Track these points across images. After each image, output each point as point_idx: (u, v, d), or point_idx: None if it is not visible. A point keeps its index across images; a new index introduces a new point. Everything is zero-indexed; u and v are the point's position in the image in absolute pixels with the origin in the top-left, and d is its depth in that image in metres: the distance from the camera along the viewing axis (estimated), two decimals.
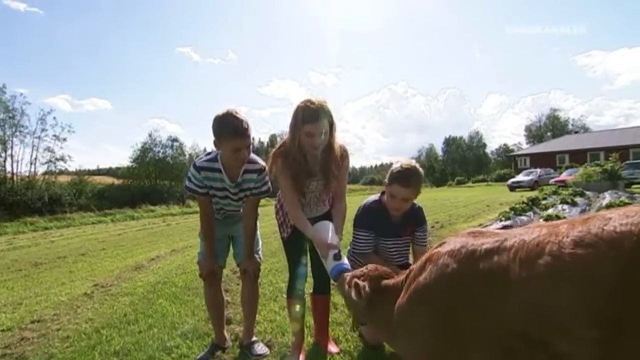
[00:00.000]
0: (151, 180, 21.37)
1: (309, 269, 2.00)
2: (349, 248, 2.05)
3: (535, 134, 43.64)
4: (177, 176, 21.24)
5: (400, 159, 1.89)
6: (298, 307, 1.98)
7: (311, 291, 2.06)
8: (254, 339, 2.04)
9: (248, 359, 1.88)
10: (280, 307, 2.65)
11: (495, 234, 0.86)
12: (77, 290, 3.47)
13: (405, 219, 1.92)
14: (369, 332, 1.96)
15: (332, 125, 1.69)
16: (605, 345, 0.55)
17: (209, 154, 1.86)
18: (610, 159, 11.02)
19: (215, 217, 1.93)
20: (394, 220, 1.90)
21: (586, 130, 38.96)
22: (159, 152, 22.40)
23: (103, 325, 2.49)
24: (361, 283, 1.14)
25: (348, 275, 1.31)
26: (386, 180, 1.87)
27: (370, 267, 1.27)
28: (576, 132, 37.65)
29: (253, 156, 1.84)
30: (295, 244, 1.91)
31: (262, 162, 1.86)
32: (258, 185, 1.86)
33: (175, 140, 23.06)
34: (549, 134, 41.50)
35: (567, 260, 0.61)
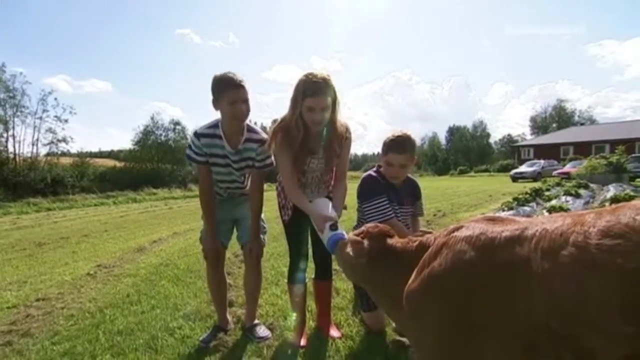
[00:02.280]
0: (153, 164, 21.33)
1: (310, 254, 2.00)
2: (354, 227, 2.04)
3: (540, 125, 43.15)
4: (179, 160, 21.16)
5: (393, 130, 1.92)
6: (299, 292, 1.99)
7: (313, 276, 2.06)
8: (256, 321, 2.05)
9: (250, 341, 1.90)
10: (282, 290, 2.66)
11: (514, 221, 0.83)
12: (80, 270, 3.50)
13: (405, 189, 1.95)
14: (370, 318, 1.98)
15: (335, 100, 1.65)
16: (638, 343, 0.53)
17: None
18: (616, 151, 10.90)
19: (214, 190, 1.90)
20: (395, 188, 1.93)
21: (592, 122, 38.47)
22: (160, 135, 22.30)
23: (106, 304, 2.51)
24: (359, 239, 1.11)
25: (350, 234, 1.28)
26: (380, 152, 1.90)
27: (370, 225, 1.24)
28: (582, 124, 37.20)
29: (254, 126, 1.83)
30: (296, 227, 1.89)
31: (262, 134, 1.84)
32: (260, 157, 1.83)
33: (177, 123, 22.89)
34: (554, 124, 41.02)
35: (594, 251, 0.59)
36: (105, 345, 1.90)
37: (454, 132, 47.61)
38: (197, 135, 1.79)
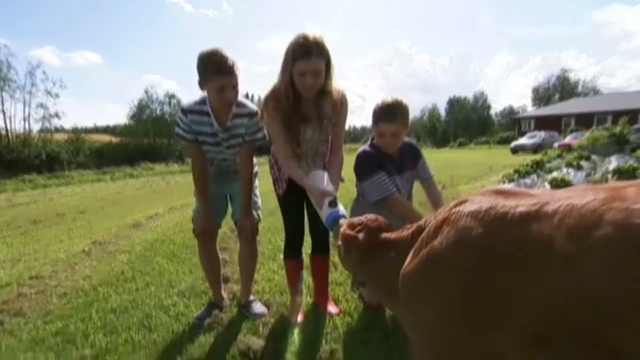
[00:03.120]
0: (149, 138, 21.04)
1: (307, 228, 1.92)
2: (351, 206, 1.95)
3: (542, 96, 42.26)
4: (175, 134, 20.85)
5: (382, 97, 1.76)
6: (295, 268, 1.93)
7: (309, 251, 2.00)
8: (252, 298, 2.01)
9: (246, 318, 1.86)
10: (278, 265, 2.62)
11: (528, 194, 0.71)
12: (75, 248, 3.45)
13: (402, 154, 1.83)
14: (369, 293, 1.93)
15: (328, 64, 1.50)
16: None
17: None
18: (620, 122, 10.70)
19: (208, 170, 1.81)
20: (392, 158, 1.81)
21: (596, 92, 37.67)
22: (155, 108, 21.83)
23: (100, 282, 2.47)
24: (352, 233, 1.02)
25: (344, 223, 1.19)
26: (372, 122, 1.76)
27: (370, 216, 1.14)
28: (585, 95, 36.46)
29: (242, 100, 1.68)
30: (291, 201, 1.80)
31: (252, 106, 1.70)
32: (250, 131, 1.71)
33: (172, 96, 22.37)
34: (557, 96, 40.21)
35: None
36: (98, 324, 1.86)
37: (454, 103, 46.73)
38: (184, 111, 1.65)
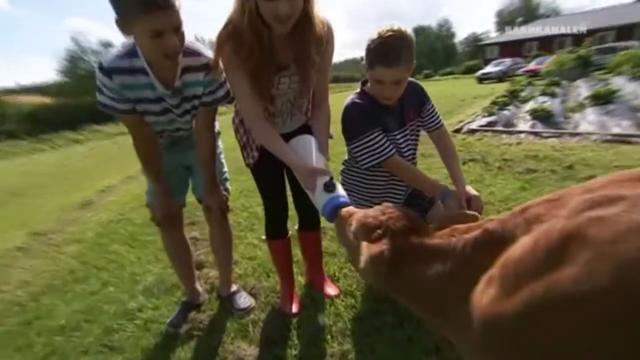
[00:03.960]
0: (91, 96, 18.65)
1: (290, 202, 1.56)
2: (342, 168, 1.60)
3: (506, 20, 41.65)
4: None
5: (377, 27, 1.26)
6: (283, 249, 1.61)
7: (296, 226, 1.67)
8: (234, 287, 1.70)
9: (230, 315, 1.56)
10: (258, 237, 2.30)
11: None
12: (6, 244, 2.85)
13: (404, 101, 1.44)
14: None
15: None
16: None
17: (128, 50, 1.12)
18: (584, 44, 10.69)
19: (158, 143, 1.33)
20: (391, 108, 1.42)
21: (557, 13, 37.58)
22: (90, 60, 19.05)
23: (43, 289, 2.02)
24: (377, 251, 0.68)
25: (355, 218, 0.85)
26: (364, 62, 1.31)
27: (388, 210, 0.80)
28: (547, 16, 36.26)
29: (192, 45, 1.15)
30: (267, 171, 1.42)
31: (207, 53, 1.18)
32: (210, 89, 1.22)
33: (108, 45, 19.39)
34: (520, 19, 39.72)
35: None
36: (39, 355, 1.47)
37: (418, 32, 45.13)
38: (107, 71, 1.08)
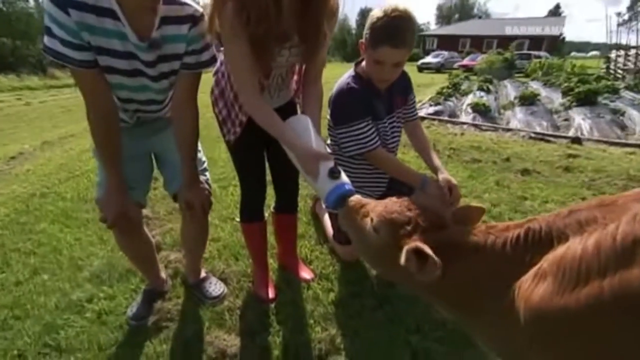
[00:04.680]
0: None
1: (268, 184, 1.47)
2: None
3: (445, 14, 44.18)
4: (24, 33, 15.32)
5: (380, 6, 1.24)
6: (259, 233, 1.53)
7: (272, 209, 1.60)
8: (203, 273, 1.57)
9: (201, 303, 1.45)
10: (220, 217, 2.15)
11: None
12: None
13: (392, 88, 1.45)
14: (345, 252, 1.69)
15: None
16: None
17: None
18: (510, 48, 11.91)
19: (118, 115, 1.05)
20: (381, 94, 1.43)
21: (487, 15, 41.01)
22: None
23: None
24: (427, 250, 0.66)
25: (376, 212, 0.82)
26: (364, 40, 1.28)
27: (408, 204, 0.79)
28: (480, 17, 39.39)
29: None
30: (249, 150, 1.31)
31: (194, 5, 0.99)
32: (194, 48, 1.02)
33: None
34: (457, 15, 42.46)
35: None
36: None
37: (365, 14, 45.62)
38: (62, 3, 0.82)
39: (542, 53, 16.54)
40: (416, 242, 0.66)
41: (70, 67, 0.90)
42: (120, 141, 1.06)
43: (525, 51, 17.47)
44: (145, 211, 2.20)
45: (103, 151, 1.05)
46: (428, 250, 0.63)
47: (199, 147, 1.28)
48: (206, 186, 1.25)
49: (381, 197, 1.56)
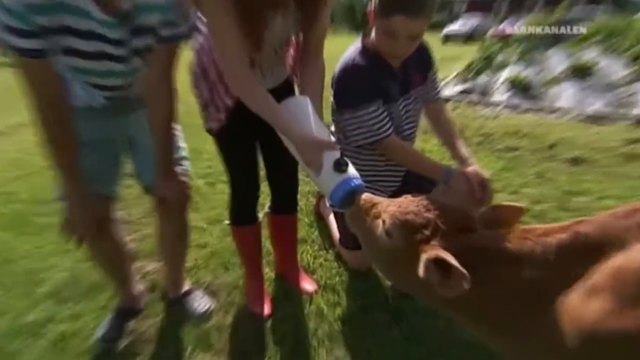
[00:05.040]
0: None
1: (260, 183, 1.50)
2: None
3: None
4: None
5: None
6: (252, 237, 1.56)
7: (267, 208, 1.63)
8: (186, 286, 1.61)
9: (185, 320, 1.48)
10: (205, 219, 2.19)
11: None
12: None
13: (408, 64, 1.46)
14: (354, 258, 1.73)
15: None
16: None
17: None
18: (560, 6, 11.69)
19: (69, 108, 1.05)
20: (395, 71, 1.44)
21: None
22: None
23: None
24: (450, 259, 0.68)
25: (388, 212, 0.84)
26: (371, 8, 1.30)
27: (427, 204, 0.81)
28: None
29: None
30: (237, 141, 1.33)
31: None
32: (170, 19, 1.03)
33: None
34: None
35: None
36: None
37: None
38: None
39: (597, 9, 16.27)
40: (437, 250, 0.68)
41: (17, 56, 0.89)
42: (74, 142, 1.06)
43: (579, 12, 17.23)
44: (119, 211, 2.25)
45: (61, 157, 1.05)
46: (452, 259, 0.64)
47: (179, 132, 1.31)
48: (184, 178, 1.29)
49: (395, 194, 1.59)
